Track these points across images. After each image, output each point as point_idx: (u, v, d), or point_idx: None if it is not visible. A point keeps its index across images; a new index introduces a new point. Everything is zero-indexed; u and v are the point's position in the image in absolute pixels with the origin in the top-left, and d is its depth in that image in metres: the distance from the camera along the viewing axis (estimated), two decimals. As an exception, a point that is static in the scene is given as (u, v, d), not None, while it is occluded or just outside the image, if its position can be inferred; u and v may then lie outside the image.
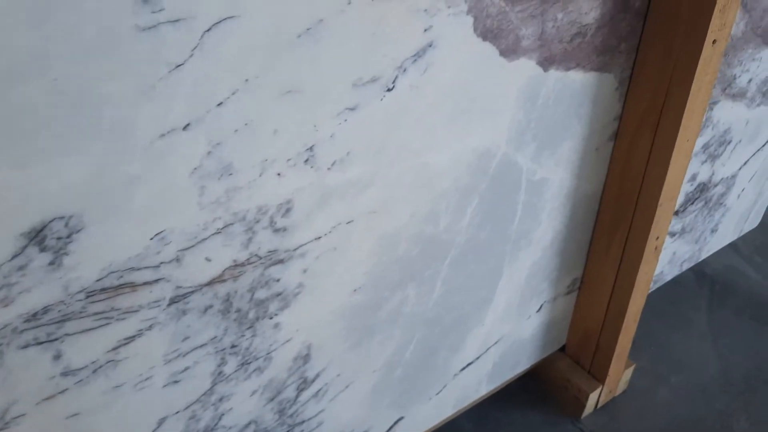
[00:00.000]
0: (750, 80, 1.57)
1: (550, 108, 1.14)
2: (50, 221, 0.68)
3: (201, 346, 0.91)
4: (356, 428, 1.26)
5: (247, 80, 0.75)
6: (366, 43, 0.83)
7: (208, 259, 0.84)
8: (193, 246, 0.82)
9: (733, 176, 1.82)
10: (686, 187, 1.66)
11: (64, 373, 0.79)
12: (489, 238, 1.22)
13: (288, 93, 0.79)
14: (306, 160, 0.86)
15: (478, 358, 1.42)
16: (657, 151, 1.24)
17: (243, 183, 0.81)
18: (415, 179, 1.02)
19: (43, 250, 0.69)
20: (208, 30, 0.69)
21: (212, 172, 0.78)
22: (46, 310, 0.73)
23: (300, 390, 1.10)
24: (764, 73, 1.61)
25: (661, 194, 1.28)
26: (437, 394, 1.39)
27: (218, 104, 0.74)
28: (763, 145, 1.85)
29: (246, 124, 0.78)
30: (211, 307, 0.89)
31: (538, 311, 1.49)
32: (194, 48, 0.69)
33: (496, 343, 1.44)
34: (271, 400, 1.06)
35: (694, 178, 1.66)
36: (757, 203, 2.08)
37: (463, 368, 1.41)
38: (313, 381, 1.11)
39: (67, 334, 0.76)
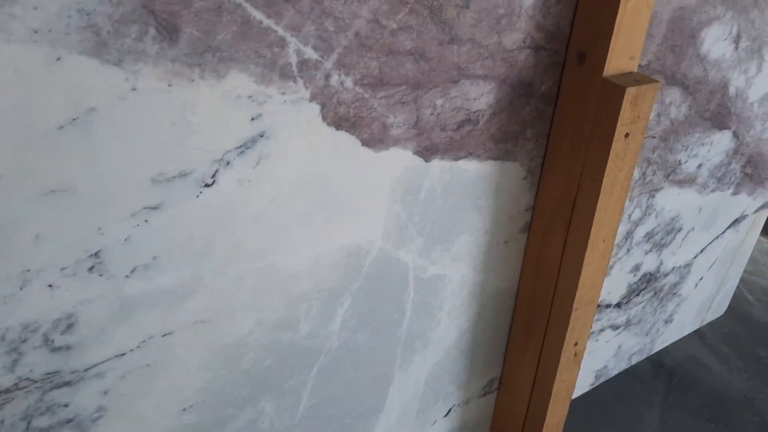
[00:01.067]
0: (700, 165, 1.42)
1: (438, 201, 0.99)
2: None
3: (-40, 483, 0.75)
4: None
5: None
6: (166, 134, 0.68)
7: (-45, 387, 0.69)
8: (-71, 372, 0.66)
9: (688, 265, 1.66)
10: (628, 278, 1.49)
11: None
12: (370, 342, 1.06)
13: (51, 193, 0.65)
14: (91, 268, 0.71)
15: (370, 469, 1.25)
16: (570, 250, 1.09)
17: (-4, 298, 0.66)
18: (260, 283, 0.86)
19: None
20: None
21: (-54, 287, 0.63)
22: None
23: None
24: (717, 157, 1.45)
25: (576, 298, 1.12)
26: None
27: (-57, 209, 0.60)
28: (723, 232, 1.69)
29: (-8, 231, 0.63)
30: (-31, 439, 0.73)
31: (446, 416, 1.32)
32: None
33: (393, 452, 1.27)
34: None
35: (637, 268, 1.49)
36: (721, 291, 1.91)
37: (351, 481, 1.23)
38: None
39: None
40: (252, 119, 0.74)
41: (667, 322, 1.77)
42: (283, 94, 0.74)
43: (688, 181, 1.43)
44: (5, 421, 0.74)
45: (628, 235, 1.39)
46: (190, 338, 0.84)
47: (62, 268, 0.69)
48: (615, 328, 1.58)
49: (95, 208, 0.68)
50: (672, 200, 1.43)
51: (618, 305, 1.53)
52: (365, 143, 0.85)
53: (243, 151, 0.75)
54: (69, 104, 0.62)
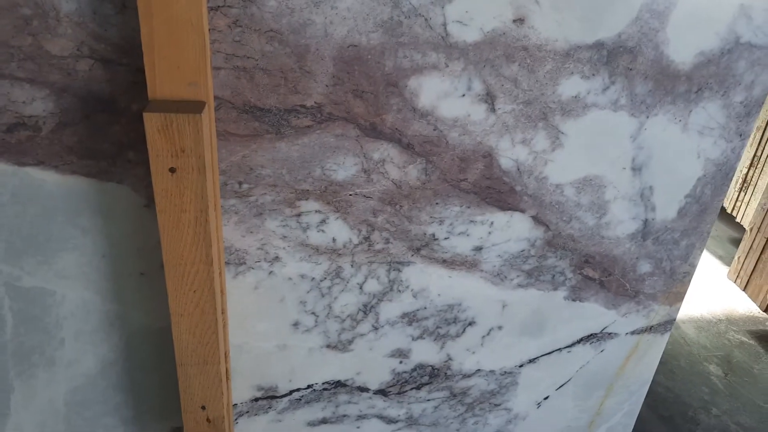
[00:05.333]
0: (479, 248, 1.17)
1: (9, 206, 0.94)
2: None
3: None
4: None
5: None
6: None
7: None
8: None
9: (508, 373, 1.36)
10: (390, 363, 1.26)
11: None
12: (-40, 340, 1.03)
13: None
14: None
15: (12, 478, 1.20)
16: (170, 300, 0.96)
17: None
18: None
19: None
20: None
21: None
22: None
23: None
24: (513, 245, 1.18)
25: (179, 354, 0.98)
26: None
27: None
28: (569, 347, 1.36)
29: None
30: None
31: (115, 451, 1.22)
32: None
33: (42, 469, 1.20)
34: None
35: (403, 354, 1.26)
36: (601, 426, 1.53)
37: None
38: None
39: None
40: None
41: (492, 439, 1.46)
42: None
43: (463, 265, 1.18)
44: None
45: (367, 308, 1.18)
46: None
47: None
48: (388, 421, 1.34)
49: None
50: (439, 282, 1.19)
51: (383, 392, 1.30)
52: None
53: None
54: None
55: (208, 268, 0.91)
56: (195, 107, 0.82)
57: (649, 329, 1.40)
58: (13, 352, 1.06)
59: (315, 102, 0.96)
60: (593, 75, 1.05)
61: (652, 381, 1.50)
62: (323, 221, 1.08)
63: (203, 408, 1.04)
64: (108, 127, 0.91)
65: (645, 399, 1.56)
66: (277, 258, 1.09)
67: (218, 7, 0.86)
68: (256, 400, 1.23)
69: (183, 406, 1.03)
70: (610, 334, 1.37)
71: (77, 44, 0.85)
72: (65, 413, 1.15)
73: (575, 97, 1.06)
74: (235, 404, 1.23)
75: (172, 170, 0.83)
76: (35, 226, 0.96)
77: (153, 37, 0.78)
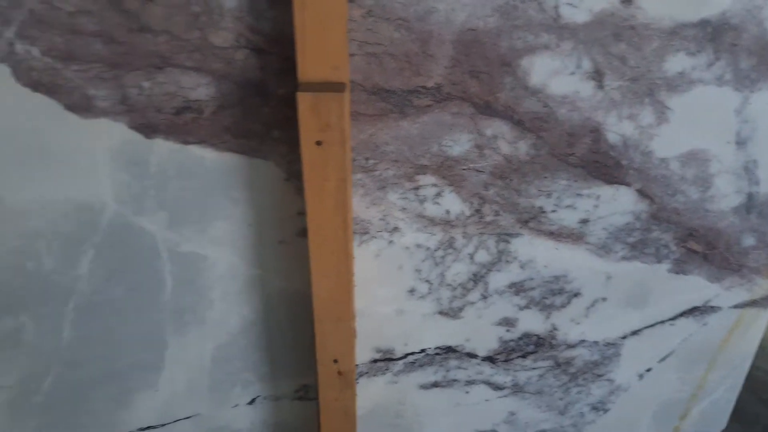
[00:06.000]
0: (585, 221, 1.23)
1: (174, 180, 1.09)
2: None
3: None
4: (2, 438, 1.32)
5: None
6: None
7: None
8: None
9: (611, 344, 1.41)
10: (497, 331, 1.35)
11: None
12: (128, 298, 1.19)
13: None
14: None
15: (163, 425, 1.36)
16: (312, 261, 1.08)
17: None
18: (-9, 209, 1.07)
19: None
20: None
21: None
22: None
23: None
24: (618, 218, 1.24)
25: (317, 311, 1.10)
26: (111, 443, 1.37)
27: None
28: (673, 318, 1.40)
29: None
30: None
31: (250, 404, 1.37)
32: None
33: (188, 418, 1.36)
34: None
35: (510, 323, 1.34)
36: (704, 400, 1.55)
37: (142, 429, 1.36)
38: None
39: None
40: (-52, 70, 0.95)
41: (597, 409, 1.51)
42: (-28, 53, 0.94)
43: (570, 237, 1.25)
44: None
45: (477, 277, 1.27)
46: (-64, 238, 1.08)
47: None
48: (495, 387, 1.43)
49: None
50: (546, 254, 1.26)
51: (491, 360, 1.38)
52: (69, 108, 1.00)
53: (-54, 95, 0.97)
54: None
55: (345, 233, 1.03)
56: (338, 87, 0.93)
57: (753, 303, 1.42)
58: (170, 312, 1.22)
59: (435, 83, 1.06)
60: (698, 51, 1.10)
61: (751, 365, 1.51)
62: (438, 194, 1.17)
63: (335, 361, 1.16)
64: (258, 109, 1.05)
65: (744, 382, 1.56)
66: (396, 228, 1.20)
67: (355, -1, 0.97)
68: (375, 361, 1.35)
69: (318, 359, 1.16)
70: (713, 307, 1.40)
71: (236, 36, 0.98)
72: (210, 368, 1.30)
73: (680, 73, 1.11)
74: (357, 365, 1.34)
75: (318, 143, 0.95)
76: (194, 198, 1.11)
77: (305, 26, 0.91)
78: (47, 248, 1.12)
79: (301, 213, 1.16)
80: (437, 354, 1.36)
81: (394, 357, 1.35)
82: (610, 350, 1.42)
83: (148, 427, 1.36)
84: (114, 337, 1.23)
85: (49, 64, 0.96)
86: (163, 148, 1.06)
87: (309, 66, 0.94)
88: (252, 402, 1.37)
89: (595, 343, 1.40)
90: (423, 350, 1.35)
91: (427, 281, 1.27)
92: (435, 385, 1.40)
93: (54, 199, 1.07)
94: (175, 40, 0.98)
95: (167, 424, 1.36)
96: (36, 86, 0.98)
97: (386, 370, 1.36)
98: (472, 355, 1.38)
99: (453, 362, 1.38)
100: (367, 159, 1.12)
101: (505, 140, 1.13)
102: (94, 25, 0.95)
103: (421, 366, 1.37)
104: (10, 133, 1.01)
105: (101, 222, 1.11)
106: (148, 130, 1.04)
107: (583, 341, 1.40)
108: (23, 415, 1.30)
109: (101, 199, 1.09)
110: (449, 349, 1.36)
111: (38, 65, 0.96)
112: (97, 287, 1.17)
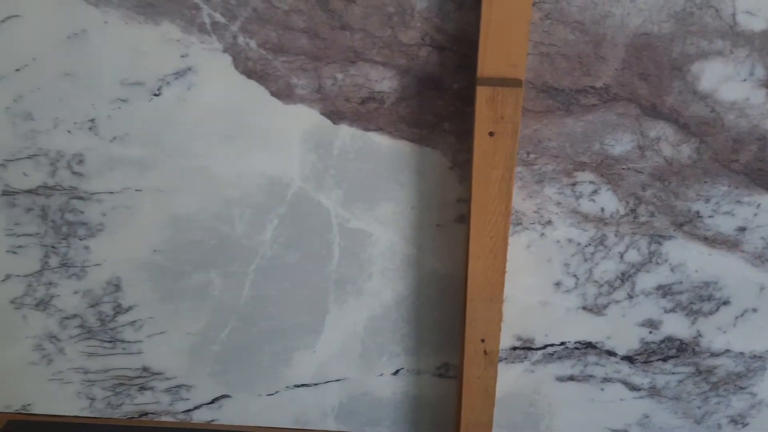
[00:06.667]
0: (742, 228, 1.23)
1: (353, 162, 1.22)
2: None
3: (28, 235, 1.34)
4: (181, 379, 1.52)
5: (34, 59, 1.15)
6: (127, 54, 1.14)
7: (24, 174, 1.27)
8: (13, 160, 1.26)
9: (758, 357, 1.39)
10: (639, 332, 1.37)
11: None
12: (301, 266, 1.34)
13: (66, 75, 1.17)
14: (90, 128, 1.22)
15: (315, 385, 1.51)
16: (467, 244, 1.17)
17: (42, 129, 1.22)
18: (198, 177, 1.25)
19: None
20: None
21: (18, 114, 1.21)
22: None
23: (116, 312, 1.43)
24: (782, 229, 1.23)
25: (469, 290, 1.19)
26: (269, 395, 1.53)
27: (16, 70, 1.16)
28: (831, 339, 1.35)
29: (38, 89, 1.18)
30: (32, 209, 1.31)
31: (395, 374, 1.48)
32: (-10, 30, 1.13)
33: (338, 381, 1.50)
34: (92, 306, 1.43)
35: (653, 325, 1.36)
36: None
37: (298, 386, 1.51)
38: (127, 310, 1.43)
39: None
40: (182, 56, 1.14)
41: (735, 422, 1.48)
42: (202, 43, 1.12)
43: (725, 244, 1.25)
44: (52, 206, 1.30)
45: (625, 276, 1.30)
46: (152, 199, 1.28)
47: (74, 123, 1.21)
48: (632, 387, 1.45)
49: (89, 91, 1.18)
50: (698, 259, 1.27)
51: (630, 359, 1.41)
52: (274, 95, 1.16)
53: (178, 77, 1.16)
54: (71, 25, 1.12)
55: (505, 220, 1.11)
56: (515, 83, 1.02)
57: None
58: (335, 281, 1.36)
59: (603, 83, 1.11)
60: None
61: None
62: (595, 191, 1.22)
63: (482, 341, 1.25)
64: (433, 102, 1.15)
65: None
66: (549, 222, 1.26)
67: (535, 2, 1.05)
68: (515, 348, 1.41)
69: (467, 337, 1.24)
70: None
71: (422, 35, 1.09)
72: (362, 337, 1.43)
73: None
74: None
75: (491, 134, 1.04)
76: (367, 179, 1.24)
77: (490, 26, 1.00)
78: (240, 215, 1.29)
79: (461, 200, 1.25)
80: (576, 348, 1.40)
81: (534, 347, 1.41)
82: (756, 363, 1.40)
83: (303, 385, 1.51)
84: (284, 298, 1.38)
85: (262, 55, 1.12)
86: (346, 133, 1.19)
87: (489, 62, 1.02)
88: (396, 373, 1.48)
89: (741, 354, 1.38)
90: (563, 343, 1.40)
91: (574, 276, 1.32)
92: (571, 378, 1.44)
93: (250, 172, 1.24)
94: (369, 37, 1.10)
95: (319, 384, 1.51)
96: (250, 74, 1.14)
97: (525, 358, 1.42)
98: (611, 353, 1.41)
99: (591, 358, 1.41)
100: (528, 153, 1.19)
101: (668, 143, 1.16)
102: (304, 22, 1.09)
103: (559, 358, 1.42)
104: (223, 112, 1.18)
105: (287, 195, 1.26)
106: (335, 116, 1.17)
107: (728, 351, 1.38)
108: (200, 361, 1.49)
109: (289, 175, 1.24)
110: (589, 345, 1.40)
111: (254, 56, 1.12)
112: (276, 252, 1.33)
